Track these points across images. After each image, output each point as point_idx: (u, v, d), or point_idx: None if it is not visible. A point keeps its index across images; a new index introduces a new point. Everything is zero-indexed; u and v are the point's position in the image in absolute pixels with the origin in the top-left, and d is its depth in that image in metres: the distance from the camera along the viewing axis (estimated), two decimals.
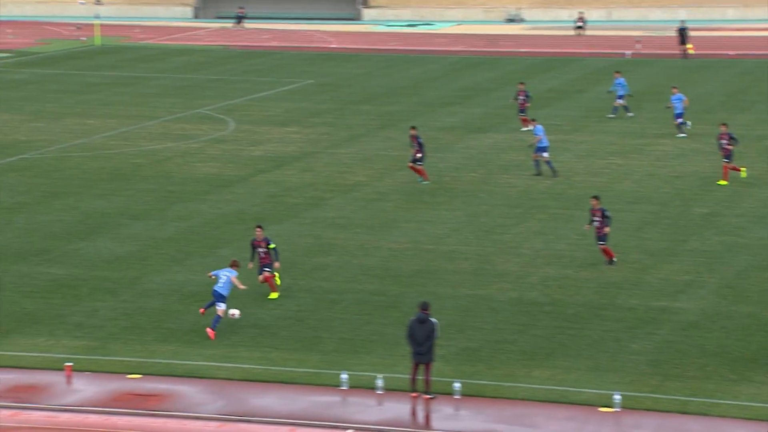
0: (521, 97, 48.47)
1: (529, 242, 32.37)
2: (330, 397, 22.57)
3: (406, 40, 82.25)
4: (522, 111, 48.29)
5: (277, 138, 46.71)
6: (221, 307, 25.28)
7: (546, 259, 30.82)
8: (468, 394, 22.60)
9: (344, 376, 22.90)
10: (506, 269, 30.07)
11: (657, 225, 34.16)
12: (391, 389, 22.74)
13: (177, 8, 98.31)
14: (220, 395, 22.56)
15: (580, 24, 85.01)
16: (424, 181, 38.78)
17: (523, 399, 22.48)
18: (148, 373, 23.45)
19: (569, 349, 24.81)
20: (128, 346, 24.80)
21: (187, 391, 22.76)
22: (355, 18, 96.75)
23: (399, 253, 31.35)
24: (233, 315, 25.45)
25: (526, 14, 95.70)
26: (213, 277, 25.93)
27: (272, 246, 27.49)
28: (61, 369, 23.37)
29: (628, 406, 22.10)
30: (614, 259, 30.16)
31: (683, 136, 45.88)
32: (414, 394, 22.60)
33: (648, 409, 22.13)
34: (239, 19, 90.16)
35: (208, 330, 25.19)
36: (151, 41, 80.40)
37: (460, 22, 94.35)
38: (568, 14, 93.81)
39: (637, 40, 75.11)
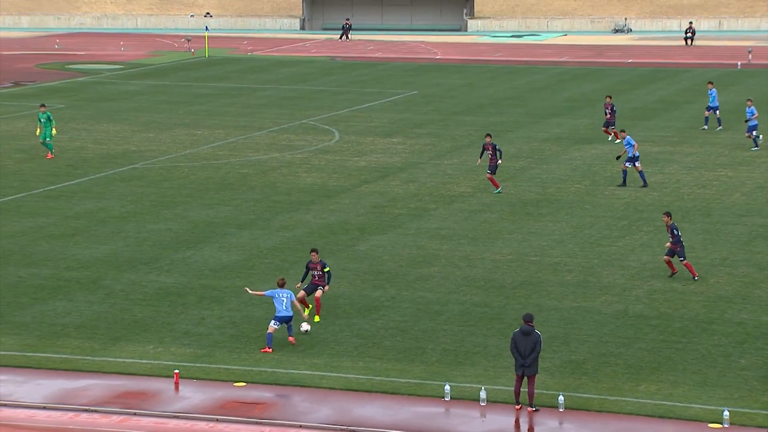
0: (607, 110, 47.89)
1: (635, 254, 31.97)
2: (433, 408, 22.55)
3: (511, 51, 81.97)
4: (609, 124, 47.71)
5: (381, 149, 46.90)
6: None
7: (652, 272, 30.40)
8: (572, 407, 22.38)
9: (447, 388, 22.85)
10: (612, 282, 29.73)
11: (767, 238, 33.47)
12: (494, 401, 22.63)
13: (284, 20, 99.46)
14: (324, 404, 22.69)
15: (689, 34, 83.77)
16: (498, 190, 38.73)
17: (629, 413, 22.18)
18: (253, 381, 23.69)
19: (676, 364, 24.42)
20: (234, 354, 25.09)
21: (292, 400, 22.94)
22: (461, 29, 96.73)
23: (503, 264, 31.21)
24: (305, 330, 25.68)
25: (634, 24, 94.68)
26: (258, 294, 25.95)
27: (327, 269, 27.09)
28: (169, 376, 23.73)
29: (737, 422, 21.66)
30: (675, 274, 29.69)
31: (756, 149, 45.13)
32: (517, 407, 22.46)
33: (759, 426, 21.64)
34: (345, 30, 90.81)
35: (290, 339, 25.48)
36: (258, 53, 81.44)
37: (566, 33, 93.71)
38: (678, 24, 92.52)
39: (750, 50, 73.74)
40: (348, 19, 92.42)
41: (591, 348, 25.32)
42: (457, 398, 22.77)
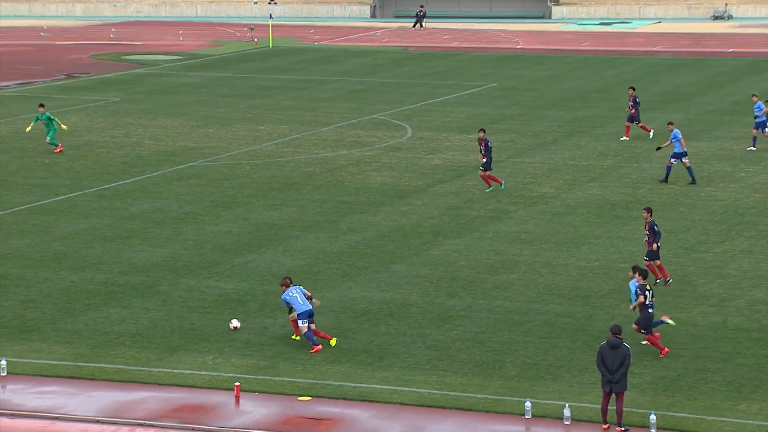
0: (630, 103, 47.09)
1: (734, 262, 31.64)
2: (513, 426, 22.51)
3: (599, 40, 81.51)
4: (631, 119, 46.90)
5: (457, 145, 46.90)
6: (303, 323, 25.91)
7: (754, 281, 30.05)
8: (665, 427, 22.21)
9: (528, 404, 22.80)
10: (709, 291, 29.45)
11: None
12: (579, 420, 22.53)
13: (354, 7, 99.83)
14: (395, 421, 22.74)
15: None
16: (489, 188, 38.82)
17: None
18: (318, 395, 23.81)
19: None
20: (298, 366, 25.24)
21: (360, 415, 23.02)
22: (545, 16, 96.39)
23: (589, 271, 31.06)
24: (235, 326, 26.40)
25: (735, 10, 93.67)
26: (293, 318, 26.21)
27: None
28: (229, 389, 23.94)
29: None
30: (669, 280, 29.41)
31: (752, 150, 44.30)
32: (605, 426, 22.36)
33: None
34: (419, 18, 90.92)
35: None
36: (325, 42, 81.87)
37: (660, 20, 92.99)
38: None
39: None
40: (422, 6, 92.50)
41: (686, 363, 25.10)
42: (539, 416, 22.71)
